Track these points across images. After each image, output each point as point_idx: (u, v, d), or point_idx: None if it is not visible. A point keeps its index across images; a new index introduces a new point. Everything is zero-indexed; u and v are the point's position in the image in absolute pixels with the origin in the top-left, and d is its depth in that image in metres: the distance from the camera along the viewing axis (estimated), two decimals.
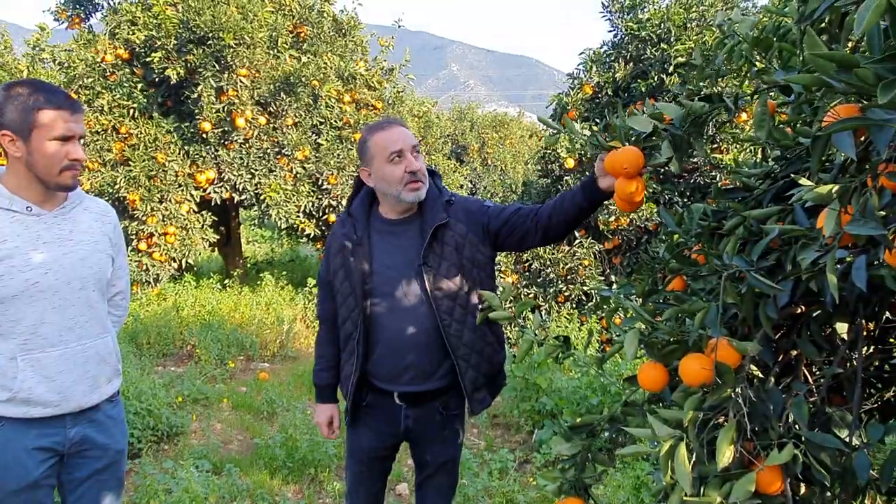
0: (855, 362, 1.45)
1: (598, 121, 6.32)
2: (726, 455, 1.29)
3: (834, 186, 1.10)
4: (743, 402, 1.37)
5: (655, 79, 5.97)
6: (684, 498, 1.27)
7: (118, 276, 1.93)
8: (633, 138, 1.68)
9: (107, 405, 1.86)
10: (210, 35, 5.86)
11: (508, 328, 5.99)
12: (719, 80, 1.94)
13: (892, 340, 1.64)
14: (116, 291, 1.95)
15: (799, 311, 1.50)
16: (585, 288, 5.81)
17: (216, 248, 7.41)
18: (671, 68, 5.90)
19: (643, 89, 6.02)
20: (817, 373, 1.67)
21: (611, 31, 6.74)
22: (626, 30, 6.43)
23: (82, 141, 1.73)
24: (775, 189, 1.63)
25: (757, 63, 1.68)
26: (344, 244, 1.93)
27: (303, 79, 6.28)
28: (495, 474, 3.43)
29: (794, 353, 1.54)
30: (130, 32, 6.00)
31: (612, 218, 5.75)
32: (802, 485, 1.40)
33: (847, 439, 1.29)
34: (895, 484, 1.38)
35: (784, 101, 1.72)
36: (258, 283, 7.46)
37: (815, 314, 1.50)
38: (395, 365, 1.91)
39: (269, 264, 9.50)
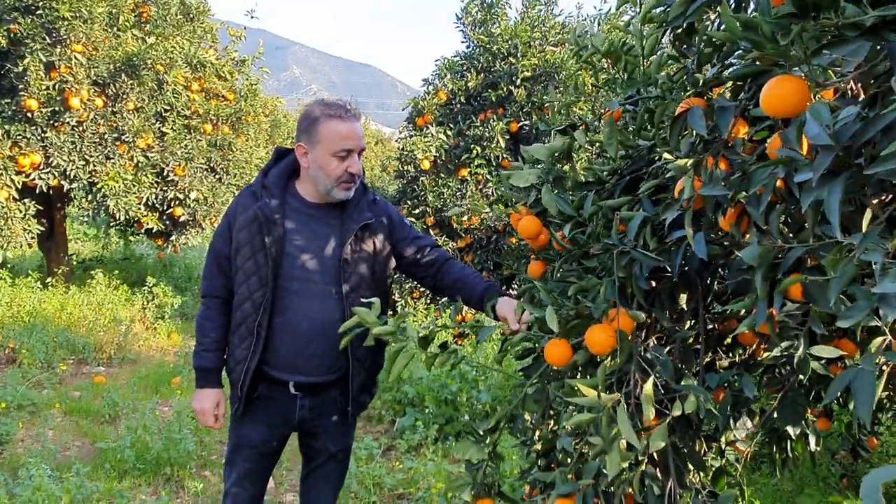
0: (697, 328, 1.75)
1: (451, 126, 6.63)
2: (651, 409, 1.46)
3: (689, 160, 1.36)
4: (647, 365, 1.56)
5: (504, 90, 6.40)
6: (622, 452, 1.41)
7: None
8: (519, 194, 1.92)
9: None
10: (40, 4, 5.28)
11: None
12: (572, 107, 2.21)
13: (717, 308, 1.98)
14: None
15: (652, 285, 1.76)
16: None
17: (34, 244, 6.65)
18: (518, 81, 6.37)
19: (493, 99, 6.43)
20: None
21: (463, 42, 7.11)
22: (478, 42, 6.82)
23: None
24: (624, 183, 1.91)
25: (603, 74, 1.95)
26: (256, 218, 1.81)
27: (148, 61, 5.87)
28: (363, 461, 3.50)
29: (647, 321, 1.81)
30: None
31: (465, 217, 6.06)
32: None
33: None
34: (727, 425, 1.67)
35: (628, 109, 2.00)
36: (86, 282, 6.80)
37: (663, 288, 1.78)
38: (296, 353, 1.84)
39: (100, 262, 8.67)
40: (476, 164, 6.20)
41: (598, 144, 2.12)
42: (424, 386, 4.27)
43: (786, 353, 1.86)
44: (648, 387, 1.44)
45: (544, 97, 5.95)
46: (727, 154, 1.29)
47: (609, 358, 1.57)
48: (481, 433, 1.78)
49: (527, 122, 6.20)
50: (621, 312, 1.51)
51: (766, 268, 1.19)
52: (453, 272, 1.95)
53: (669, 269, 1.62)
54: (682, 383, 1.52)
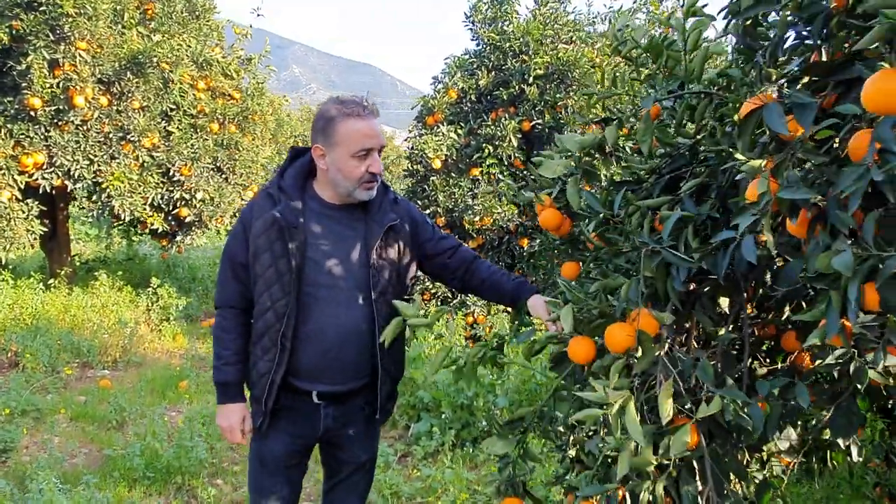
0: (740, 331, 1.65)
1: (462, 125, 6.52)
2: (668, 409, 1.38)
3: (763, 161, 1.25)
4: (671, 365, 1.49)
5: (517, 88, 6.29)
6: (633, 458, 1.34)
7: None
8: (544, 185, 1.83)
9: None
10: (43, 0, 5.17)
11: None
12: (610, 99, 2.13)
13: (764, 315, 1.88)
14: None
15: (692, 288, 1.67)
16: None
17: (37, 244, 6.54)
18: (531, 79, 6.26)
19: (505, 97, 6.32)
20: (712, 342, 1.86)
21: (473, 40, 7.00)
22: (489, 40, 6.71)
23: None
24: (663, 182, 1.81)
25: (643, 70, 1.85)
26: (275, 222, 1.71)
27: (153, 59, 5.76)
28: (379, 468, 3.39)
29: (688, 324, 1.71)
30: None
31: (477, 218, 5.95)
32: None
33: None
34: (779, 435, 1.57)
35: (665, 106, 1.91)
36: (89, 283, 6.70)
37: (704, 290, 1.68)
38: (322, 362, 1.76)
39: (103, 263, 8.56)
40: (488, 163, 6.09)
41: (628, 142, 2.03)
42: (440, 390, 4.16)
43: (839, 360, 1.76)
44: (668, 385, 1.36)
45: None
46: (804, 155, 1.19)
47: (625, 357, 1.49)
48: (504, 427, 1.72)
49: (539, 121, 6.09)
50: (643, 312, 1.45)
51: (863, 276, 1.09)
52: (481, 272, 1.89)
53: (712, 272, 1.54)
54: (723, 388, 1.43)
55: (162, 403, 4.52)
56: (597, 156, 1.87)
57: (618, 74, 1.96)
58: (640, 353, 1.48)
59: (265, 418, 1.80)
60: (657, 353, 1.48)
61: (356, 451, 1.92)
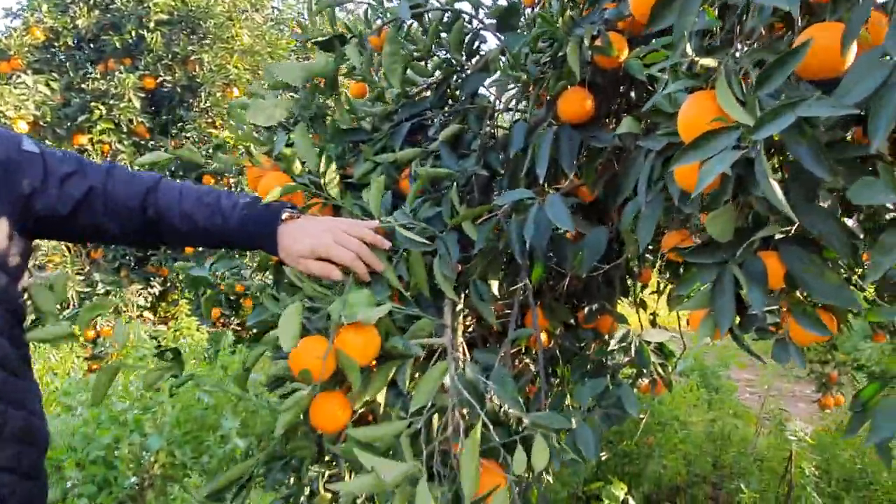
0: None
1: (55, 75, 4.94)
2: (474, 479, 0.92)
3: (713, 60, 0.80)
4: (467, 393, 1.03)
5: (132, 35, 5.01)
6: None
7: None
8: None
9: None
10: None
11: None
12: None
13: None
14: None
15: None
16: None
17: None
18: (151, 25, 5.05)
19: (118, 45, 4.99)
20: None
21: None
22: None
23: None
24: (404, 131, 1.38)
25: None
26: None
27: None
28: None
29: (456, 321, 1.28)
30: None
31: None
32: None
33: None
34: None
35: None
36: None
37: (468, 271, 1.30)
38: None
39: None
40: (100, 128, 4.72)
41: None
42: (61, 447, 2.96)
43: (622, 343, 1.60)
44: (474, 435, 0.93)
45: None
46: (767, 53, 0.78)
47: (363, 382, 1.02)
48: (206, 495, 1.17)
49: (168, 78, 4.96)
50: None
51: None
52: (170, 217, 1.08)
53: (504, 247, 1.20)
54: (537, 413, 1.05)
55: None
56: (329, 90, 1.37)
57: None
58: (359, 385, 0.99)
59: None
60: (442, 376, 1.01)
61: None
